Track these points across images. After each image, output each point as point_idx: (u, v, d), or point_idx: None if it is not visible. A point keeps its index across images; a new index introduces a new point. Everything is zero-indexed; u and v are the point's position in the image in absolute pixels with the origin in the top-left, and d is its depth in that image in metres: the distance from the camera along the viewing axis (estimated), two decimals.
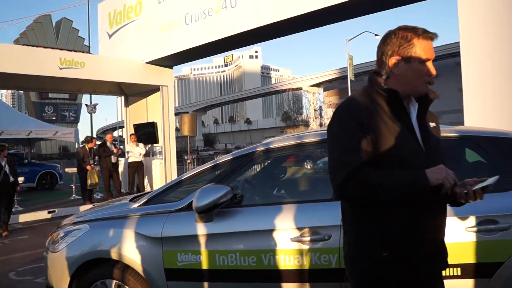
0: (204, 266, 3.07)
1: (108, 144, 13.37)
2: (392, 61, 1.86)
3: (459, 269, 2.66)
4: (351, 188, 1.75)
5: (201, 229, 3.11)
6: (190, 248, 3.11)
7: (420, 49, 1.82)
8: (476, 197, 1.74)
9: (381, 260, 1.79)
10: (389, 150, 1.78)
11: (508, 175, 2.74)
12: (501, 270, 2.64)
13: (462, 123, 6.07)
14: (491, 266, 2.66)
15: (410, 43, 1.83)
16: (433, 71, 1.84)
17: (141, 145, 13.63)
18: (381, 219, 1.80)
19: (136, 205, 3.54)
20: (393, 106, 1.85)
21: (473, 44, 6.66)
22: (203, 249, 3.08)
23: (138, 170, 13.44)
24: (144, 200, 3.54)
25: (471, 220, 2.67)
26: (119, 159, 13.91)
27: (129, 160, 13.57)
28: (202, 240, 3.09)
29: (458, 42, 6.96)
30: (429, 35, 1.83)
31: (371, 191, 1.74)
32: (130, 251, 3.27)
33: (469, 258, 2.65)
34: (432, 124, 1.96)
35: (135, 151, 13.40)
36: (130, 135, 13.95)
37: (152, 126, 14.03)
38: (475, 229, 2.68)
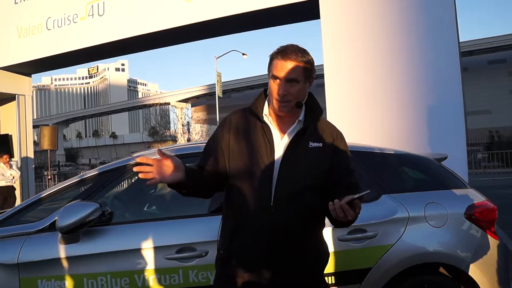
0: None
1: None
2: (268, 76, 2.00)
3: (333, 277, 2.78)
4: None
5: (66, 251, 2.82)
6: (53, 274, 2.81)
7: (272, 66, 1.93)
8: (345, 213, 1.70)
9: (220, 257, 2.02)
10: (234, 163, 1.95)
11: (373, 187, 2.95)
12: (369, 275, 2.84)
13: None
14: (361, 272, 2.85)
15: (270, 61, 1.95)
16: (280, 90, 1.89)
17: (14, 166, 11.68)
18: (222, 225, 2.06)
19: None
20: (256, 122, 1.97)
21: (335, 67, 7.17)
22: (68, 273, 2.80)
23: (10, 196, 11.35)
24: None
25: (343, 230, 2.81)
26: None
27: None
28: (67, 264, 2.81)
29: (319, 65, 7.45)
30: (279, 55, 1.92)
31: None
32: None
33: (342, 266, 2.78)
34: (315, 144, 1.96)
35: (7, 174, 11.24)
36: (2, 154, 11.63)
37: (5, 139, 12.71)
38: (346, 238, 2.82)
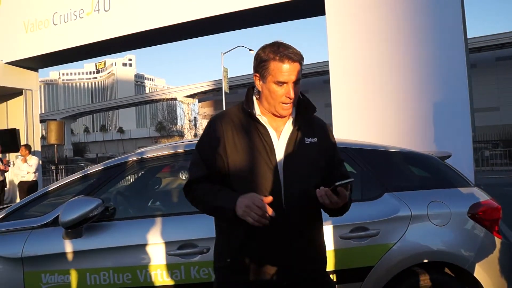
0: (73, 286, 2.81)
1: None
2: (255, 78, 1.93)
3: (334, 275, 2.78)
4: (189, 200, 1.98)
5: (69, 246, 2.84)
6: (56, 268, 2.83)
7: (274, 70, 1.84)
8: (330, 199, 1.75)
9: (226, 265, 1.93)
10: (235, 166, 1.88)
11: (376, 185, 2.94)
12: (371, 273, 2.83)
13: None
14: (363, 271, 2.84)
15: (265, 64, 1.86)
16: (290, 93, 1.85)
17: (33, 160, 10.69)
18: (226, 230, 1.95)
19: None
20: (250, 123, 1.92)
21: (340, 64, 7.14)
22: (71, 268, 2.82)
23: (30, 191, 9.96)
24: (1, 215, 3.15)
25: (344, 228, 2.81)
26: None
27: (17, 180, 10.66)
28: (70, 258, 2.83)
29: (326, 61, 7.45)
30: (282, 58, 1.83)
31: (197, 206, 1.96)
32: None
33: (344, 264, 2.78)
34: (310, 140, 1.95)
35: (23, 168, 10.46)
36: (21, 146, 10.94)
37: (13, 133, 12.79)
38: (348, 236, 2.82)
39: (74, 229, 2.80)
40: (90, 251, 2.84)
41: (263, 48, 1.88)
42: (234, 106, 2.01)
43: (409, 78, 6.66)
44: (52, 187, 3.30)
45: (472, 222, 2.98)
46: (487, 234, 2.99)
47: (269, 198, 1.75)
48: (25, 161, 10.57)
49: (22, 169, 10.51)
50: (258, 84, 1.92)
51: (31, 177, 10.59)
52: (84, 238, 2.85)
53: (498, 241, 3.01)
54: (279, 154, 1.90)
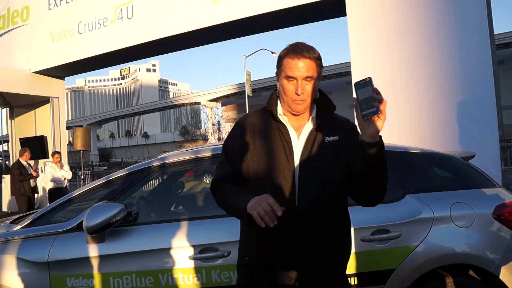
0: None
1: (24, 163, 10.33)
2: (276, 77, 1.99)
3: (355, 278, 2.76)
4: (215, 200, 2.04)
5: (93, 251, 2.90)
6: (81, 272, 2.89)
7: (285, 66, 1.90)
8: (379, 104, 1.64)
9: (245, 263, 1.99)
10: (255, 166, 1.93)
11: (397, 186, 2.91)
12: (393, 276, 2.79)
13: None
14: (385, 273, 2.80)
15: (280, 61, 1.93)
16: (298, 89, 1.88)
17: (66, 166, 10.85)
18: (246, 229, 2.01)
19: (18, 227, 3.22)
20: (272, 123, 1.96)
21: (362, 64, 7.10)
22: (95, 272, 2.88)
23: (60, 196, 9.80)
24: (28, 221, 3.23)
25: (366, 231, 2.79)
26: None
27: (49, 187, 10.38)
28: (94, 262, 2.89)
29: (348, 62, 7.42)
30: (291, 54, 1.88)
31: (222, 206, 2.01)
32: (11, 280, 2.95)
33: (365, 267, 2.75)
34: (331, 138, 1.94)
35: (58, 175, 10.25)
36: (53, 153, 10.80)
37: (41, 140, 13.11)
38: (369, 238, 2.80)
39: (98, 234, 2.86)
40: (113, 255, 2.89)
41: (284, 48, 1.95)
42: (259, 109, 2.07)
43: (432, 77, 6.57)
44: (77, 193, 3.38)
45: (497, 223, 2.91)
46: None
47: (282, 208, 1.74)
48: (61, 167, 10.44)
49: (58, 175, 10.31)
50: (278, 83, 1.99)
51: (65, 183, 10.53)
52: (108, 242, 2.91)
53: None
54: (297, 153, 1.92)
